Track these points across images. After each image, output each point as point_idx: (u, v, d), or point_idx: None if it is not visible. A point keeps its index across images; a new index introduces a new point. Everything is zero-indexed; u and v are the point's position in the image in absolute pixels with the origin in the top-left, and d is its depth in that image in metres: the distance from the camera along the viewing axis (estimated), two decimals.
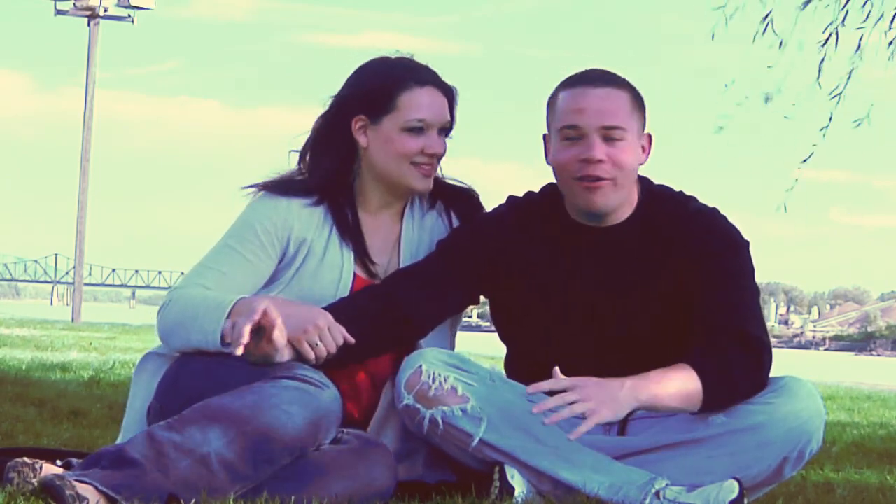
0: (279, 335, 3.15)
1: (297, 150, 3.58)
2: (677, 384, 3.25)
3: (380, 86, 3.48)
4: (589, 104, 3.36)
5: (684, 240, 3.42)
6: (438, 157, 3.51)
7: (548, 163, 3.47)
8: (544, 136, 3.48)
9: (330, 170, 3.51)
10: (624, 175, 3.37)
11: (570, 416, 3.14)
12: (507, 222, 3.51)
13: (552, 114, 3.44)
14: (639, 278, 3.43)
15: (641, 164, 3.45)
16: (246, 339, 3.10)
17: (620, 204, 3.42)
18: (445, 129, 3.51)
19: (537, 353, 3.49)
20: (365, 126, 3.50)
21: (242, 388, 3.10)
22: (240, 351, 3.10)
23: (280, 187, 3.51)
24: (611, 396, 3.18)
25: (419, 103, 3.46)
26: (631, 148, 3.38)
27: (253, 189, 3.53)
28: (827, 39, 9.58)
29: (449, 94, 3.53)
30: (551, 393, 3.18)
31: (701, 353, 3.30)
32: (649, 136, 3.47)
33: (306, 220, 3.48)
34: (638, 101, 3.43)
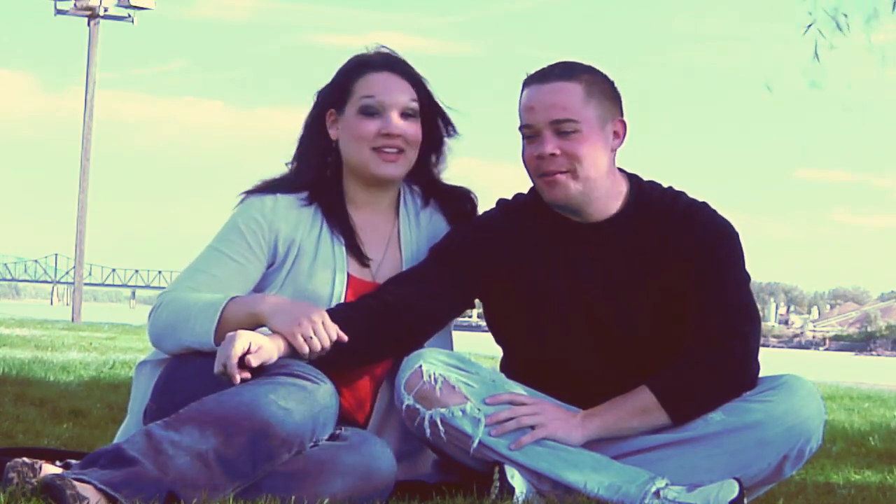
0: (260, 357, 3.13)
1: (290, 163, 3.61)
2: (629, 404, 3.34)
3: (340, 77, 3.55)
4: (537, 101, 3.38)
5: (675, 235, 3.43)
6: (406, 142, 3.50)
7: None
8: None
9: (312, 166, 3.54)
10: (583, 166, 3.37)
11: (517, 427, 3.28)
12: (498, 224, 3.51)
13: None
14: (632, 275, 3.43)
15: (614, 150, 3.45)
16: (237, 376, 3.10)
17: (591, 195, 3.40)
18: (409, 114, 3.51)
19: (534, 353, 3.49)
20: (335, 119, 3.55)
21: (239, 385, 3.10)
22: (238, 380, 3.11)
23: (266, 187, 3.53)
24: (563, 417, 3.33)
25: (371, 85, 3.50)
26: (588, 139, 3.37)
27: (242, 196, 3.54)
28: None
29: (412, 79, 3.54)
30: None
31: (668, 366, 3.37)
32: (622, 122, 3.45)
33: (294, 220, 3.49)
34: (597, 90, 3.40)
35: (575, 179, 3.37)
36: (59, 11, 41.23)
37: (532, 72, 3.46)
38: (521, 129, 3.42)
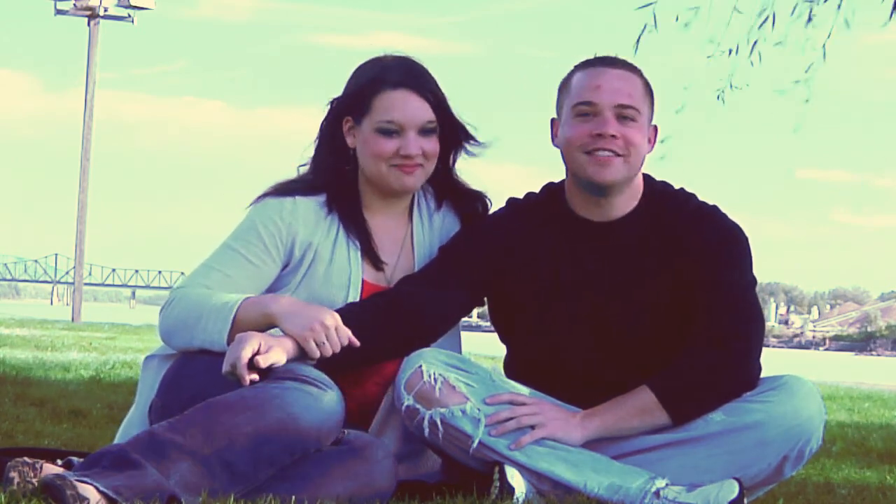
0: (269, 359, 3.13)
1: (305, 164, 3.61)
2: (629, 404, 3.35)
3: (359, 88, 3.51)
4: (606, 82, 3.40)
5: (684, 236, 3.44)
6: (425, 157, 3.50)
7: (554, 145, 3.49)
8: (552, 120, 3.51)
9: (328, 169, 3.53)
10: (634, 155, 3.40)
11: (517, 427, 3.29)
12: (509, 224, 3.52)
13: (565, 93, 3.46)
14: (640, 275, 3.44)
15: (647, 153, 3.47)
16: (247, 378, 3.11)
17: (626, 184, 3.43)
18: (427, 130, 3.49)
19: (538, 351, 3.49)
20: (352, 128, 3.53)
21: (245, 389, 3.10)
22: (247, 382, 3.11)
23: (284, 189, 3.52)
24: (563, 417, 3.34)
25: (390, 105, 3.47)
26: (642, 131, 3.41)
27: (258, 198, 3.53)
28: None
29: (430, 95, 3.51)
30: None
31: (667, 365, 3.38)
32: (655, 128, 3.50)
33: (312, 223, 3.48)
34: (649, 90, 3.47)
35: (624, 164, 3.39)
36: (59, 11, 41.25)
37: (586, 60, 3.48)
38: (578, 105, 3.41)
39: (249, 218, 3.49)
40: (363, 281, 3.51)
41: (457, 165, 3.64)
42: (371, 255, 3.53)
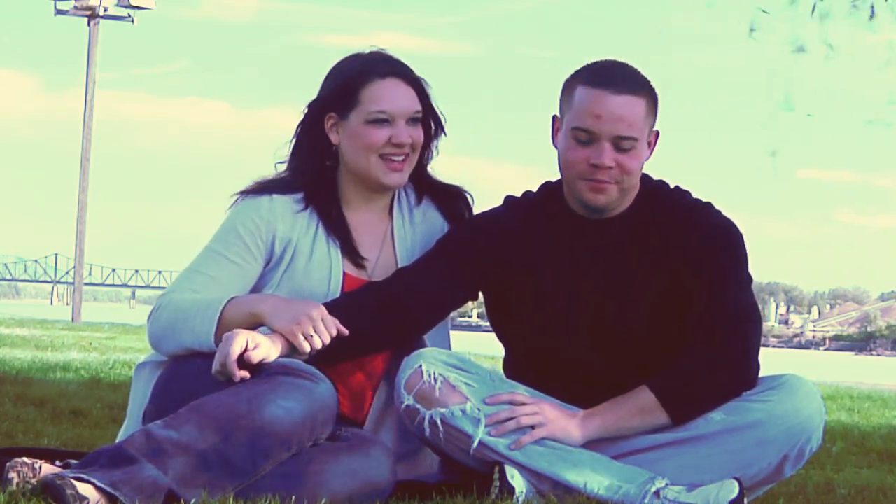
0: (259, 354, 3.15)
1: (283, 162, 3.61)
2: (629, 404, 3.35)
3: (344, 83, 3.52)
4: (606, 111, 3.35)
5: (680, 233, 3.44)
6: (413, 148, 3.52)
7: (554, 145, 3.48)
8: (554, 117, 3.49)
9: (309, 169, 3.54)
10: (630, 179, 3.40)
11: (517, 427, 3.29)
12: (507, 220, 3.52)
13: (567, 105, 3.43)
14: (637, 273, 3.44)
15: (646, 160, 3.46)
16: (237, 375, 3.12)
17: (622, 200, 3.44)
18: (415, 119, 3.52)
19: (535, 350, 3.50)
20: (336, 124, 3.54)
21: (238, 385, 3.11)
22: (238, 378, 3.12)
23: (261, 188, 3.54)
24: (563, 417, 3.34)
25: (380, 95, 3.48)
26: (640, 154, 3.40)
27: (237, 196, 3.55)
28: None
29: (416, 84, 3.54)
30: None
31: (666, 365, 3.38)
32: (656, 133, 3.48)
33: (290, 219, 3.50)
34: (653, 105, 3.43)
35: (619, 190, 3.39)
36: (59, 11, 41.29)
37: (592, 68, 3.42)
38: (576, 129, 3.37)
39: (229, 219, 3.51)
40: (344, 273, 3.52)
41: (452, 164, 3.66)
42: (351, 254, 3.53)
